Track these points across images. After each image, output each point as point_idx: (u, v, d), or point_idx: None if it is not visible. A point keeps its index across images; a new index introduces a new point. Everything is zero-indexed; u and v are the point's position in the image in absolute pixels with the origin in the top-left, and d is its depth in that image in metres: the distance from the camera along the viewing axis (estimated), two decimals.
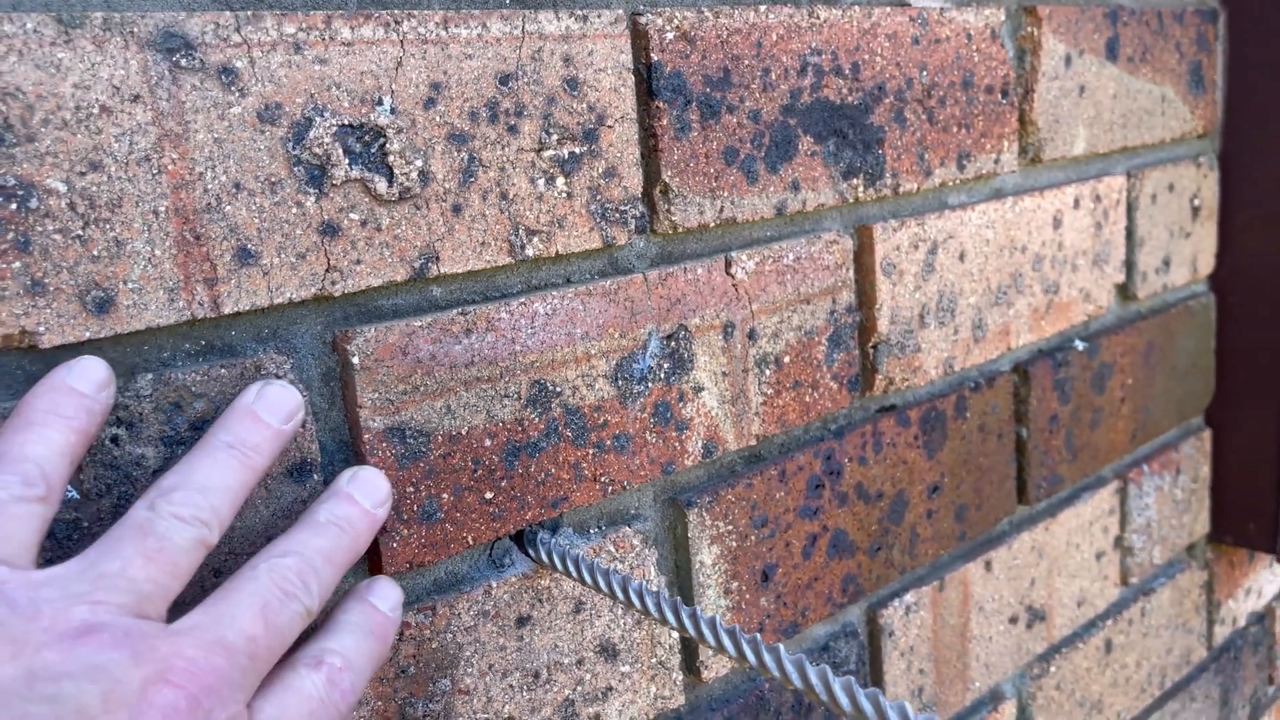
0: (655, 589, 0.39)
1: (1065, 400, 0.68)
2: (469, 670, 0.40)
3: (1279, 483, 0.82)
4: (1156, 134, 0.72)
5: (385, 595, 0.34)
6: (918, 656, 0.60)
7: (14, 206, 0.29)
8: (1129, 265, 0.72)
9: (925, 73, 0.54)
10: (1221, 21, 0.77)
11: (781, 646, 0.32)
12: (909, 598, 0.59)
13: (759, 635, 0.35)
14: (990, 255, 0.60)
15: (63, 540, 0.30)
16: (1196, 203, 0.77)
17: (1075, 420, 0.69)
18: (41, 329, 0.30)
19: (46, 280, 0.30)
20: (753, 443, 0.49)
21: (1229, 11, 0.77)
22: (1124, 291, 0.72)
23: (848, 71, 0.51)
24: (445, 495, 0.39)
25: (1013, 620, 0.66)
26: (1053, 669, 0.70)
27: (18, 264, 0.29)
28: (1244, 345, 0.82)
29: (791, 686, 0.32)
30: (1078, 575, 0.71)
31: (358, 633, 0.32)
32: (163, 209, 0.31)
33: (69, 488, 0.30)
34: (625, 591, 0.38)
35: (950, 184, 0.58)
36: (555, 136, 0.40)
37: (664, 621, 0.36)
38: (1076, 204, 0.66)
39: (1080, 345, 0.68)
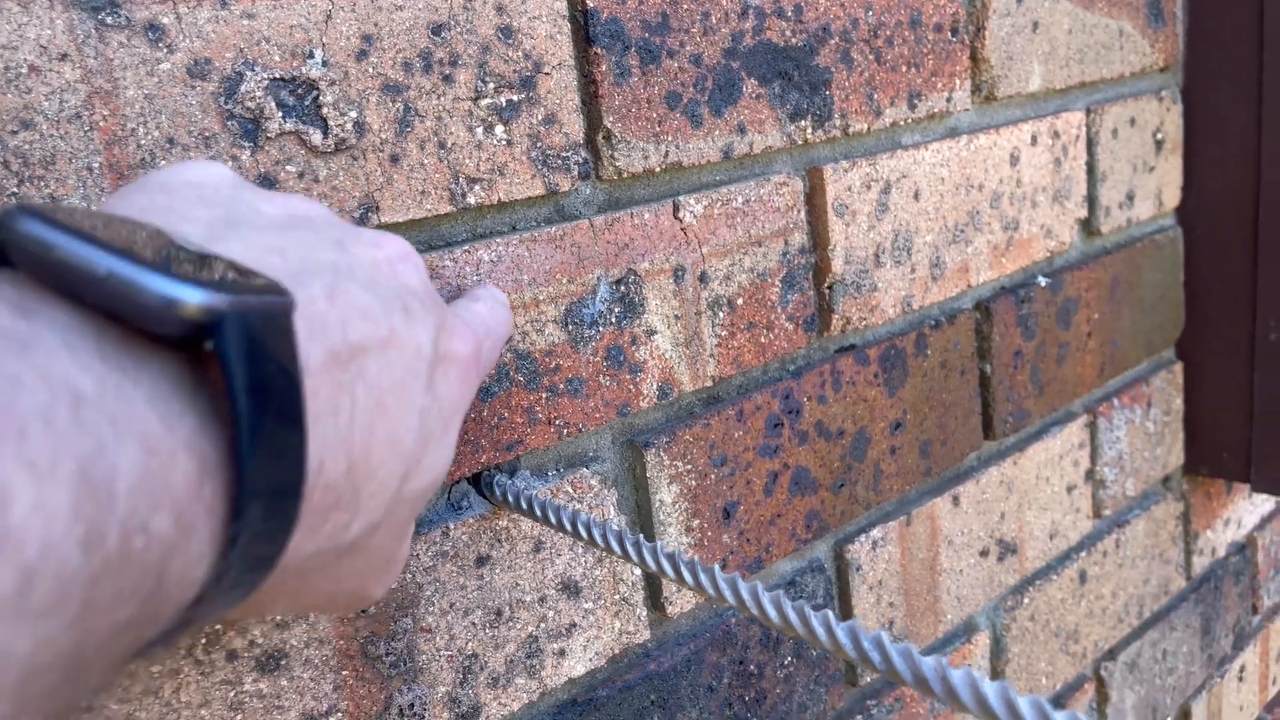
0: (617, 527, 0.40)
1: (1030, 336, 0.68)
2: (430, 609, 0.41)
3: (1251, 413, 0.83)
4: (1115, 69, 0.72)
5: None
6: (887, 590, 0.61)
7: None
8: (1091, 201, 0.72)
9: (871, 12, 0.55)
10: None
11: (738, 576, 0.33)
12: (875, 533, 0.60)
13: (717, 567, 0.36)
14: (946, 194, 0.61)
15: None
16: (1159, 136, 0.77)
17: (1041, 356, 0.70)
18: None
19: None
20: (709, 384, 0.50)
21: None
22: (1087, 227, 0.73)
23: (790, 13, 0.51)
24: None
25: (983, 553, 0.68)
26: (1026, 601, 0.72)
27: None
28: (1213, 277, 0.82)
29: (749, 614, 0.33)
30: (1049, 508, 0.72)
31: (494, 303, 0.38)
32: (96, 165, 0.32)
33: None
34: (583, 528, 0.39)
35: (902, 124, 0.58)
36: (492, 85, 0.41)
37: (624, 556, 0.37)
38: (1034, 141, 0.67)
39: (1043, 281, 0.69)
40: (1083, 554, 0.76)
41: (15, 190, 0.31)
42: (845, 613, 0.59)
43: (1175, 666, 0.89)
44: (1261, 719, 1.05)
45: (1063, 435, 0.73)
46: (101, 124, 0.32)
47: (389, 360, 0.26)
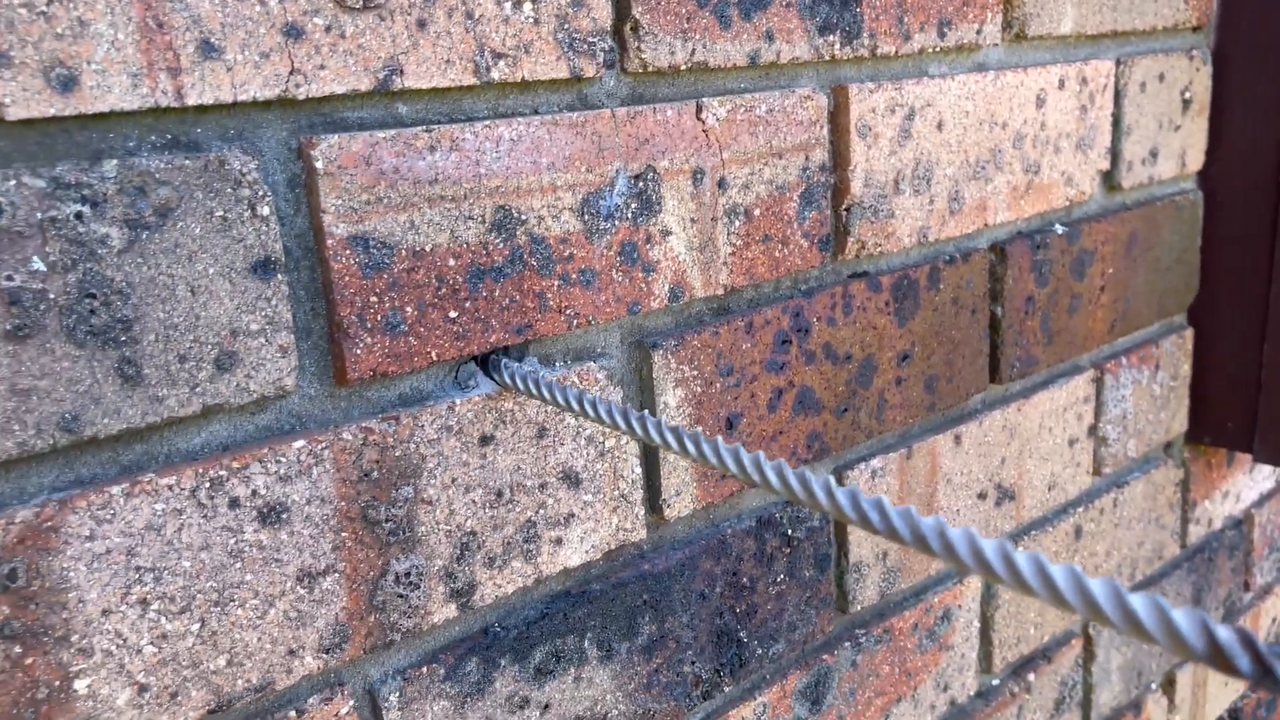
0: (622, 405, 0.40)
1: (1043, 283, 0.68)
2: (431, 481, 0.42)
3: (1259, 382, 0.83)
4: (1148, 20, 0.72)
5: None
6: None
7: None
8: (1114, 153, 0.72)
9: None
10: None
11: (740, 446, 0.33)
12: (876, 462, 0.60)
13: (720, 440, 0.36)
14: (969, 128, 0.60)
15: (29, 309, 0.32)
16: (1188, 95, 0.77)
17: (1052, 304, 0.69)
18: (7, 100, 0.31)
19: (11, 53, 0.30)
20: (720, 292, 0.50)
21: None
22: (1108, 180, 0.72)
23: None
24: (409, 309, 0.40)
25: (981, 496, 0.68)
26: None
27: None
28: (1230, 244, 0.82)
29: (750, 481, 0.33)
30: (1049, 459, 0.72)
31: None
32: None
33: (34, 258, 0.31)
34: (589, 405, 0.39)
35: (930, 51, 0.58)
36: None
37: (628, 430, 0.37)
38: (1061, 85, 0.66)
39: (1061, 229, 0.69)
40: (1080, 509, 0.76)
41: (44, 9, 0.31)
42: (840, 538, 0.59)
43: None
44: (1246, 697, 1.06)
45: (1068, 387, 0.73)
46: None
47: None
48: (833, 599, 0.60)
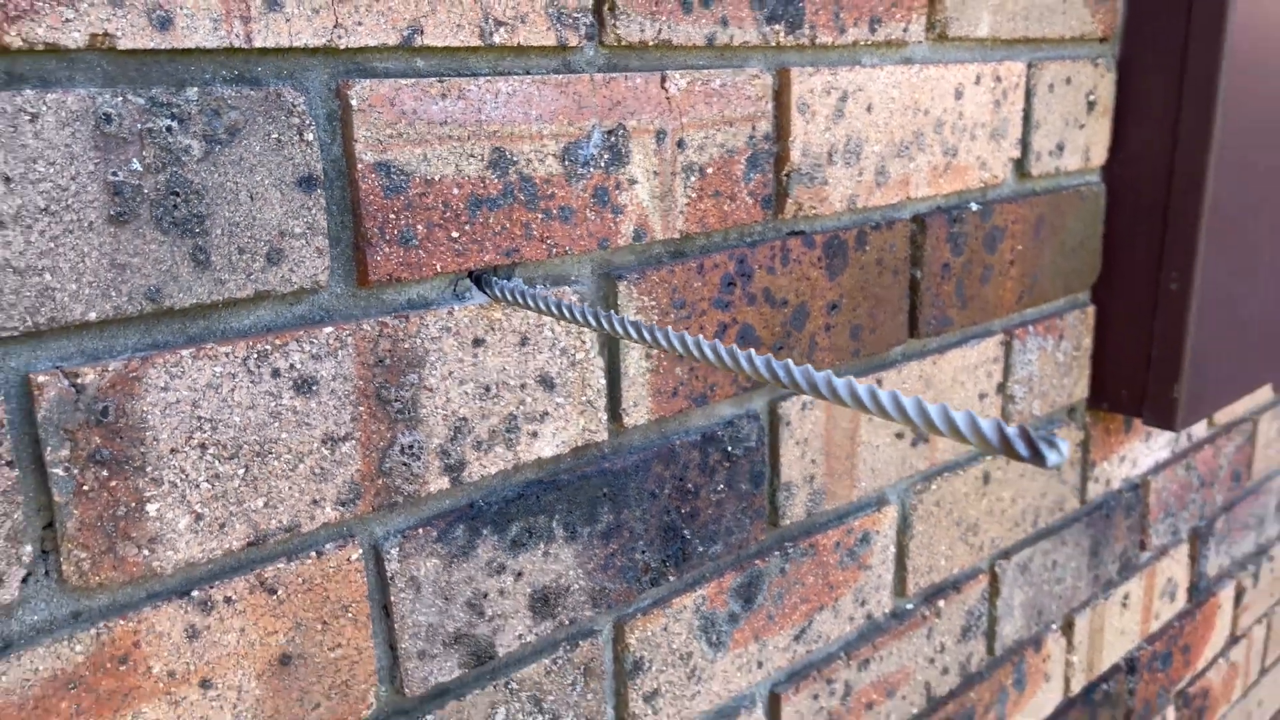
0: (594, 308, 0.48)
1: (958, 252, 0.78)
2: (433, 372, 0.50)
3: (1149, 357, 0.94)
4: (1057, 30, 0.82)
5: None
6: (811, 449, 0.71)
7: None
8: (1024, 144, 0.82)
9: None
10: None
11: (687, 333, 0.42)
12: (806, 396, 0.70)
13: (671, 329, 0.45)
14: (895, 112, 0.70)
15: (128, 199, 0.40)
16: (1092, 98, 0.88)
17: (966, 272, 0.80)
18: (118, 34, 0.39)
19: None
20: (676, 236, 0.60)
21: None
22: (1019, 167, 0.83)
23: None
24: (420, 227, 0.48)
25: (899, 436, 0.78)
26: (934, 487, 0.82)
27: None
28: (1128, 234, 0.93)
29: (699, 359, 0.42)
30: (964, 407, 0.83)
31: None
32: None
33: (133, 160, 0.40)
34: (567, 310, 0.48)
35: (862, 44, 0.67)
36: None
37: (598, 327, 0.46)
38: (978, 80, 0.76)
39: (975, 207, 0.79)
40: (989, 457, 0.87)
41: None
42: (773, 460, 0.69)
43: (1063, 578, 1.00)
44: (1142, 648, 1.17)
45: (980, 348, 0.83)
46: None
47: None
48: (765, 512, 0.69)
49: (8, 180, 0.37)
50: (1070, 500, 0.98)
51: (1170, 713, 1.26)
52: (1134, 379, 0.95)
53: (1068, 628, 1.03)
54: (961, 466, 0.84)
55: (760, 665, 0.71)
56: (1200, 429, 1.18)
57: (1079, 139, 0.88)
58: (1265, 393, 1.30)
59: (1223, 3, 0.84)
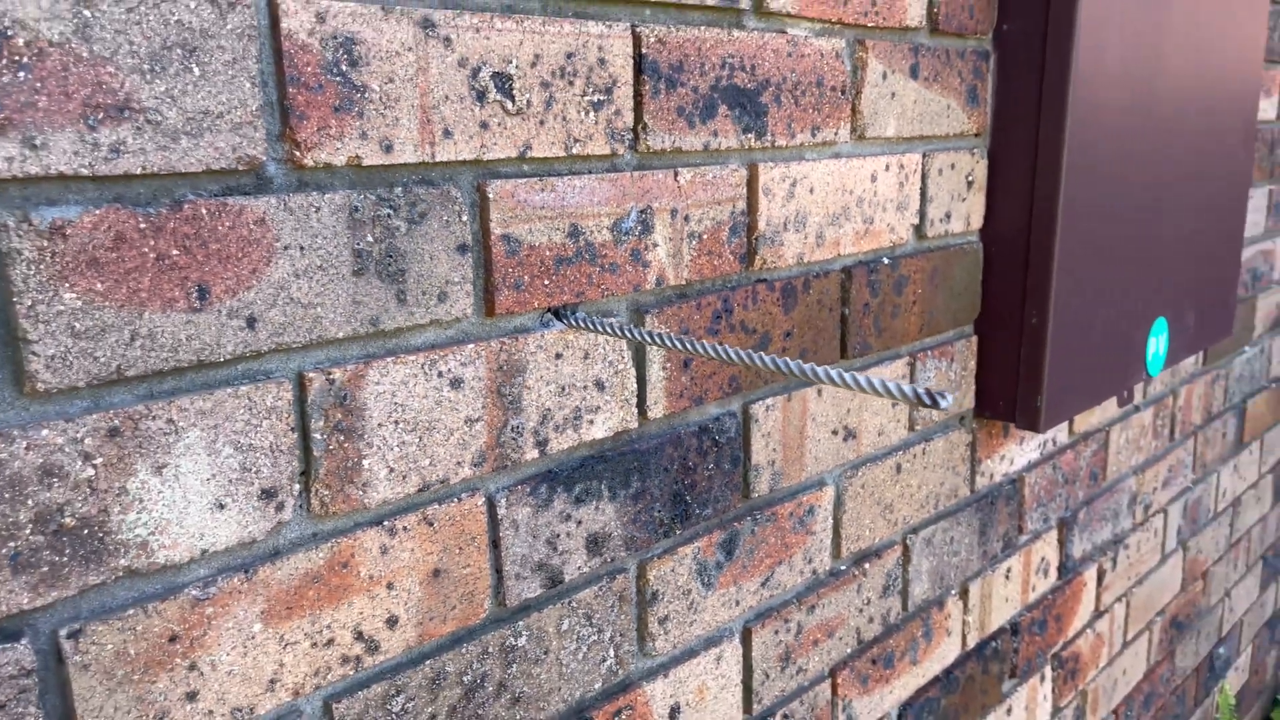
0: (640, 329, 0.71)
1: (875, 295, 1.05)
2: (530, 377, 0.73)
3: (1018, 374, 1.22)
4: (944, 129, 1.10)
5: None
6: (772, 440, 0.96)
7: None
8: (922, 214, 1.10)
9: (794, 74, 0.90)
10: (993, 60, 1.16)
11: (701, 340, 0.66)
12: (769, 401, 0.94)
13: (702, 340, 0.69)
14: (830, 192, 0.97)
15: (364, 258, 0.62)
16: (970, 179, 1.16)
17: (881, 310, 1.06)
18: (364, 156, 0.61)
19: (352, 130, 0.61)
20: (683, 283, 0.84)
21: (998, 54, 1.16)
22: (918, 231, 1.10)
23: (749, 69, 0.86)
24: (526, 277, 0.72)
25: (834, 432, 1.03)
26: (860, 474, 1.07)
27: None
28: (999, 281, 1.21)
29: (713, 357, 0.65)
30: (879, 414, 1.09)
31: None
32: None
33: (367, 235, 0.62)
34: (623, 330, 0.71)
35: (806, 144, 0.93)
36: (591, 88, 0.74)
37: (649, 342, 0.70)
38: (887, 168, 1.03)
39: (887, 261, 1.06)
40: (900, 452, 1.13)
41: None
42: (746, 447, 0.93)
43: (959, 551, 1.27)
44: (1023, 614, 1.44)
45: (892, 366, 1.09)
46: None
47: None
48: (741, 487, 0.93)
49: (302, 249, 0.59)
50: (963, 489, 1.25)
51: (1048, 671, 1.53)
52: (1008, 392, 1.23)
53: (964, 593, 1.29)
54: (880, 458, 1.10)
55: (738, 604, 0.95)
56: (1063, 436, 1.48)
57: (962, 209, 1.16)
58: (1115, 408, 1.61)
59: (1063, 109, 1.13)
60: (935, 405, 0.55)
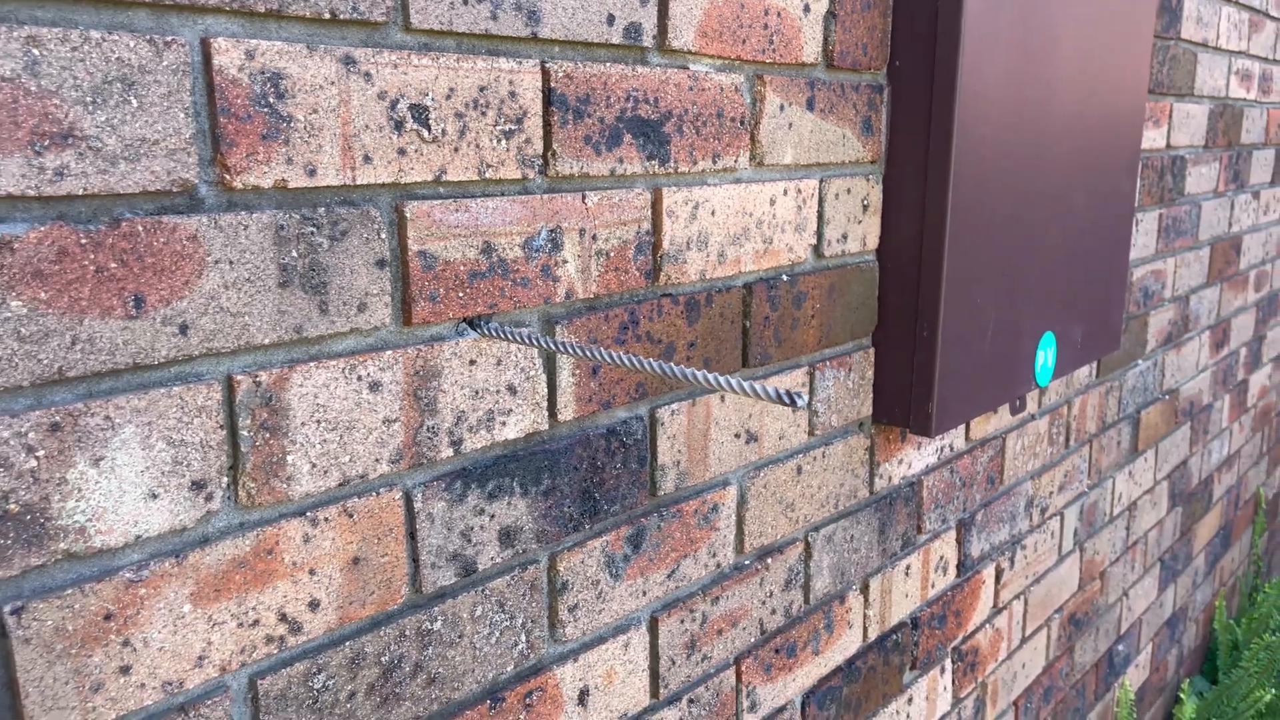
0: (551, 339, 0.79)
1: (775, 308, 1.13)
2: (446, 382, 0.80)
3: (911, 383, 1.31)
4: (839, 157, 1.20)
5: None
6: (678, 443, 1.03)
7: None
8: (819, 234, 1.19)
9: (695, 106, 0.98)
10: (887, 92, 1.26)
11: (608, 349, 0.74)
12: (675, 406, 1.02)
13: (605, 348, 0.76)
14: (731, 215, 1.05)
15: (289, 272, 0.69)
16: (866, 202, 1.26)
17: (781, 323, 1.15)
18: (289, 179, 0.68)
19: (257, 156, 0.68)
20: (591, 297, 0.91)
21: (891, 87, 1.26)
22: (817, 250, 1.19)
23: (652, 102, 0.94)
24: (441, 290, 0.78)
25: (737, 435, 1.11)
26: (762, 474, 1.16)
27: None
28: (893, 297, 1.31)
29: (621, 366, 0.73)
30: (780, 419, 1.17)
31: None
32: None
33: (293, 251, 0.68)
34: (533, 339, 0.78)
35: (708, 170, 1.02)
36: (503, 119, 0.81)
37: (559, 350, 0.77)
38: (786, 193, 1.12)
39: (786, 277, 1.14)
40: (801, 455, 1.21)
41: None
42: (653, 449, 1.01)
43: (859, 549, 1.36)
44: (923, 609, 1.54)
45: (793, 375, 1.18)
46: None
47: None
48: (648, 485, 1.01)
49: (231, 263, 0.65)
50: (862, 490, 1.34)
51: (948, 663, 1.63)
52: (902, 400, 1.32)
53: (865, 588, 1.38)
54: (782, 461, 1.18)
55: (645, 594, 1.02)
56: (960, 442, 1.58)
57: (858, 230, 1.25)
58: (1011, 416, 1.72)
59: (949, 139, 1.23)
60: (793, 404, 0.63)
